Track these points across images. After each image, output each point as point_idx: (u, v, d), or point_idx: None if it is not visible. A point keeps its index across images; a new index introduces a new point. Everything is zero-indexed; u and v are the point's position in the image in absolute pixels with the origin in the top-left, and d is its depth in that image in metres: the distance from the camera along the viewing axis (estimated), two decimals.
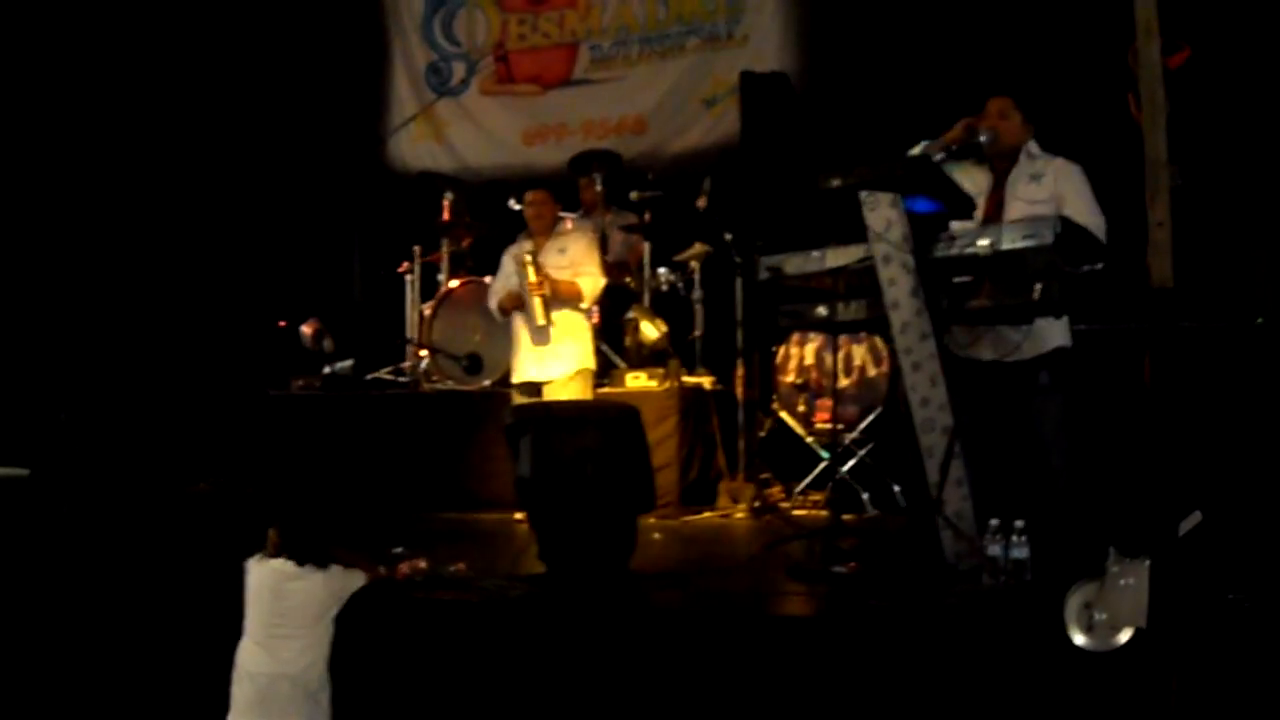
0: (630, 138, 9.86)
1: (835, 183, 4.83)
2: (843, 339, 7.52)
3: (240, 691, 4.26)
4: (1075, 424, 5.34)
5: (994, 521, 4.75)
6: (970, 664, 4.16)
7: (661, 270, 8.46)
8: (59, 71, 10.10)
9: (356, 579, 4.48)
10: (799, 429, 7.67)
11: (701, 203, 8.17)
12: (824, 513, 7.27)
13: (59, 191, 10.18)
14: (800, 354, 7.68)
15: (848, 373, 7.55)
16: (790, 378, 7.70)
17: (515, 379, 7.46)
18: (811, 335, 7.62)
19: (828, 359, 7.52)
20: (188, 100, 10.32)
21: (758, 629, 4.55)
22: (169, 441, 9.10)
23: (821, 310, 5.25)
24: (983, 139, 5.30)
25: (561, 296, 7.26)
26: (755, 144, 8.66)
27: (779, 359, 7.77)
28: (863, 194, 4.79)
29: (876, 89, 8.64)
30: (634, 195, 8.26)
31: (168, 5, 10.26)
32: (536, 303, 7.17)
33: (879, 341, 7.45)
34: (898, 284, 4.80)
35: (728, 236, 8.00)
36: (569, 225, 7.74)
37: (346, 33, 10.79)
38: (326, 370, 8.80)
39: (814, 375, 7.61)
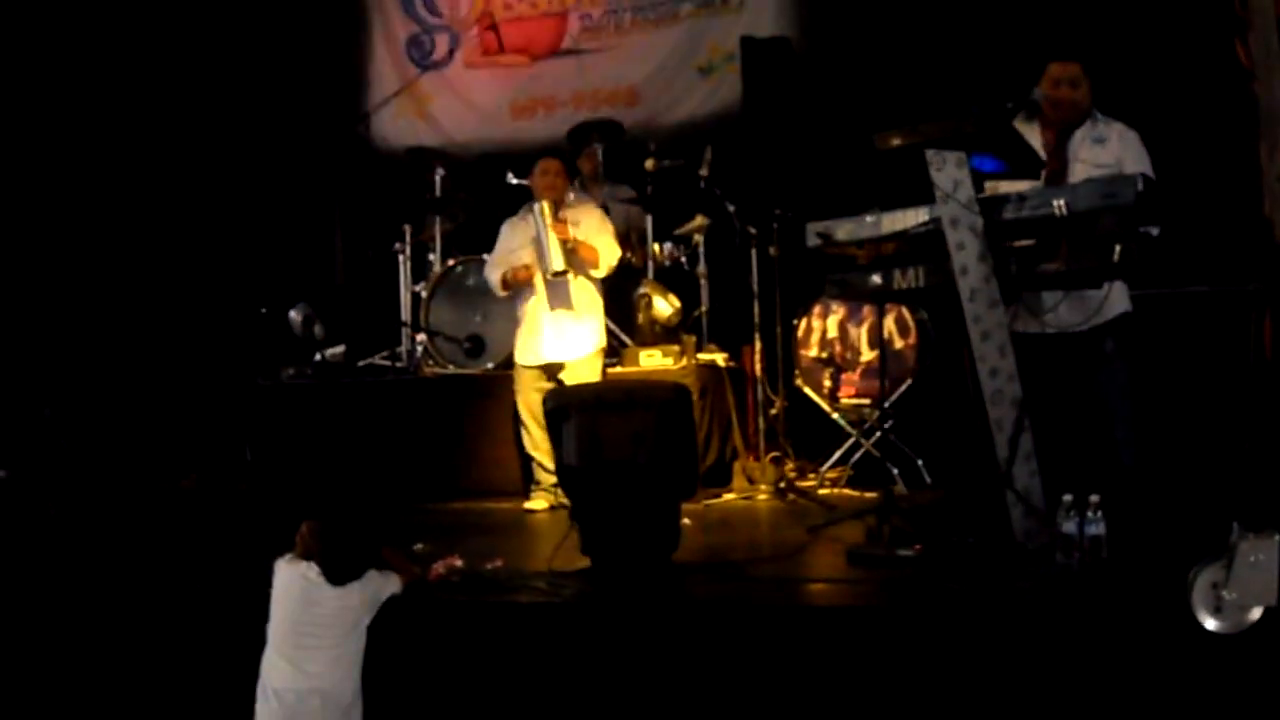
0: (623, 109, 9.50)
1: (896, 141, 4.52)
2: (866, 310, 7.22)
3: (266, 710, 3.95)
4: (1139, 392, 5.12)
5: (1067, 497, 4.52)
6: (1055, 647, 3.90)
7: (666, 245, 8.13)
8: (28, 60, 9.70)
9: (392, 583, 4.17)
10: (824, 405, 7.36)
11: (704, 173, 7.86)
12: (850, 491, 7.00)
13: (34, 185, 9.78)
14: (823, 327, 7.38)
15: (873, 345, 7.25)
16: (813, 351, 7.39)
17: (526, 360, 6.99)
18: (834, 307, 7.33)
19: (852, 331, 7.22)
20: (159, 84, 9.91)
21: (827, 622, 4.24)
22: (157, 436, 8.75)
23: (875, 279, 4.94)
24: (1036, 96, 5.05)
25: (579, 256, 6.86)
26: (759, 111, 8.38)
27: (800, 332, 7.47)
28: (930, 153, 4.49)
29: (881, 54, 8.31)
30: (650, 165, 7.91)
31: None
32: (554, 245, 6.71)
33: (905, 312, 7.15)
34: (966, 248, 4.51)
35: (731, 208, 7.68)
36: (571, 198, 7.33)
37: (323, 7, 10.38)
38: (317, 358, 8.45)
39: (838, 349, 7.30)
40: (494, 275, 7.16)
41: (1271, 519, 3.42)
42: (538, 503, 6.91)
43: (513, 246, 7.09)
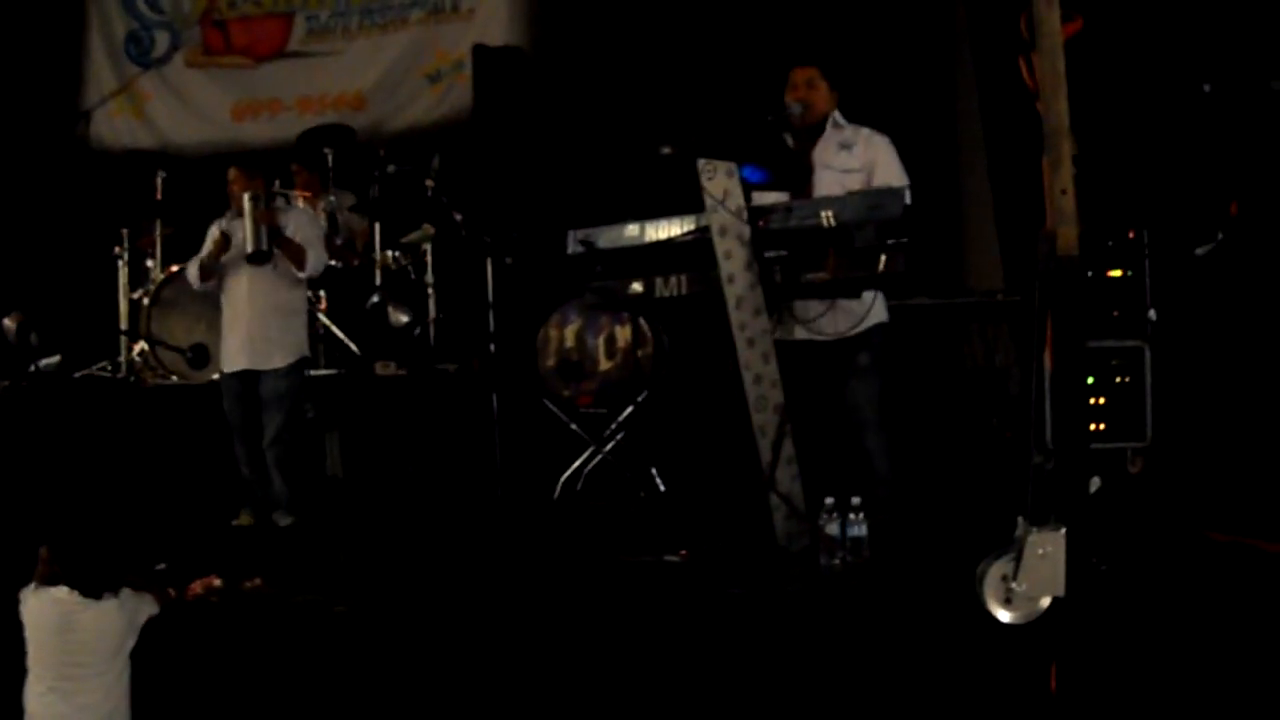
0: (349, 114, 9.30)
1: (667, 150, 4.58)
2: (604, 319, 7.26)
3: None
4: (893, 400, 5.28)
5: (829, 500, 4.67)
6: (829, 647, 4.04)
7: (390, 253, 7.99)
8: None
9: (148, 603, 3.99)
10: (562, 415, 7.36)
11: (431, 181, 7.79)
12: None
13: None
14: (560, 336, 7.37)
15: (610, 355, 7.29)
16: (551, 361, 7.38)
17: (225, 365, 6.70)
18: (572, 316, 7.33)
19: (590, 341, 7.25)
20: None
21: (600, 629, 4.26)
22: None
23: (637, 287, 4.98)
24: (794, 111, 5.16)
25: (283, 250, 6.54)
26: (492, 119, 8.36)
27: (539, 342, 7.44)
28: (701, 161, 4.56)
29: (615, 65, 8.39)
30: (391, 169, 7.79)
31: None
32: (254, 228, 6.41)
33: (643, 322, 7.21)
34: (734, 257, 4.61)
35: (458, 216, 7.63)
36: (283, 202, 7.12)
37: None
38: (32, 368, 8.01)
39: (576, 358, 7.32)
40: (191, 269, 6.87)
41: (1055, 513, 3.58)
42: (245, 519, 6.67)
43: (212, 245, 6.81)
